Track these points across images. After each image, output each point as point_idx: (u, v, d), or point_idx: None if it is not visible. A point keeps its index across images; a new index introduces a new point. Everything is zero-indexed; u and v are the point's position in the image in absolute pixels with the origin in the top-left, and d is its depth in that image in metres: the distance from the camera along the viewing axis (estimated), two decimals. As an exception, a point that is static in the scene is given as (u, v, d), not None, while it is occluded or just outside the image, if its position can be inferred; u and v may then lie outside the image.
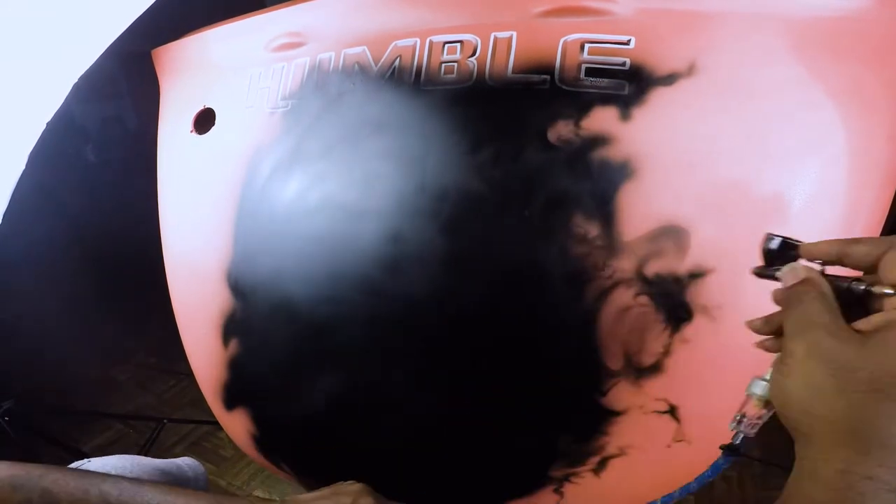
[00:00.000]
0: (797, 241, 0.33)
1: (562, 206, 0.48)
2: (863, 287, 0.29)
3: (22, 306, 1.79)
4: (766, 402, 0.34)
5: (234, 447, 0.80)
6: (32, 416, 1.31)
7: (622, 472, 0.53)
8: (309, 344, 0.62)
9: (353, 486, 0.47)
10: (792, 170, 0.45)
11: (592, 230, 0.47)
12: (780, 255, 0.33)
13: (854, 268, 0.31)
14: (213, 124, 0.70)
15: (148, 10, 0.60)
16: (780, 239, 0.33)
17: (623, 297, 0.47)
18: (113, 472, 0.48)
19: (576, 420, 0.52)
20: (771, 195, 0.45)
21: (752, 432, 0.37)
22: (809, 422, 0.28)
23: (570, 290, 0.48)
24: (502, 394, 0.54)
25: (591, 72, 0.47)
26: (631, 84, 0.46)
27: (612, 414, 0.50)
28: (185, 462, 0.63)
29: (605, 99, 0.46)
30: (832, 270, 0.32)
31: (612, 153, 0.46)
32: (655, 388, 0.49)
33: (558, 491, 0.55)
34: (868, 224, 0.47)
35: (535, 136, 0.48)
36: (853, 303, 0.30)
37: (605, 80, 0.46)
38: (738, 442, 0.38)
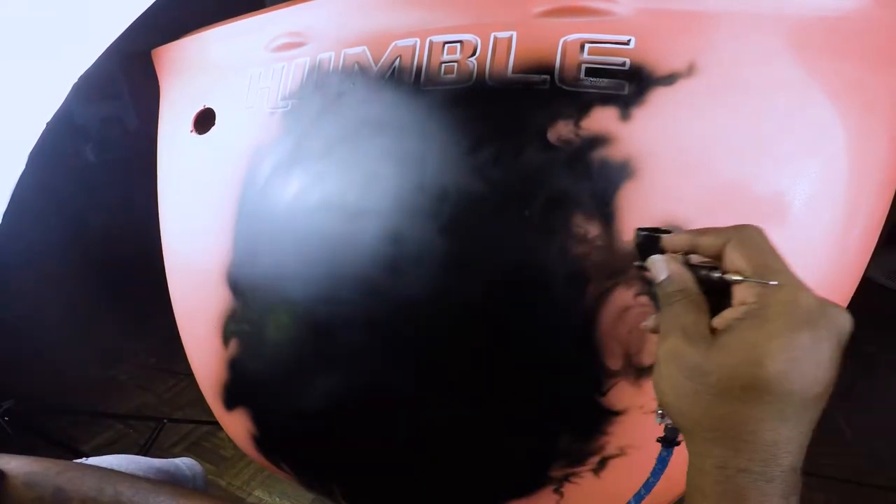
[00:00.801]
0: (665, 231, 0.34)
1: (562, 206, 0.48)
2: (717, 275, 0.31)
3: (22, 306, 1.79)
4: None
5: (235, 447, 0.80)
6: (32, 416, 1.31)
7: (622, 472, 0.53)
8: (309, 344, 0.62)
9: None
10: (792, 170, 0.45)
11: (592, 230, 0.47)
12: (648, 248, 0.34)
13: (706, 257, 0.33)
14: (213, 124, 0.70)
15: (148, 9, 0.60)
16: (646, 233, 0.34)
17: (623, 297, 0.47)
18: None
19: (575, 420, 0.52)
20: (771, 195, 0.45)
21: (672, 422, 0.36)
22: (684, 422, 0.30)
23: (570, 289, 0.48)
24: (502, 394, 0.54)
25: (591, 72, 0.47)
26: (631, 84, 0.46)
27: (612, 414, 0.50)
28: (184, 462, 0.64)
29: (605, 99, 0.46)
30: None
31: (612, 153, 0.46)
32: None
33: (558, 491, 0.56)
34: (868, 224, 0.47)
35: (534, 136, 0.48)
36: (720, 289, 0.31)
37: (605, 80, 0.46)
38: (670, 434, 0.38)
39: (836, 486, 1.14)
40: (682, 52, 0.45)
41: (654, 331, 0.35)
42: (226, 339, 0.69)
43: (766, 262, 0.29)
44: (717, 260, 0.32)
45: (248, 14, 0.67)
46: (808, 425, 0.27)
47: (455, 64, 0.51)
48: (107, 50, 0.60)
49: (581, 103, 0.47)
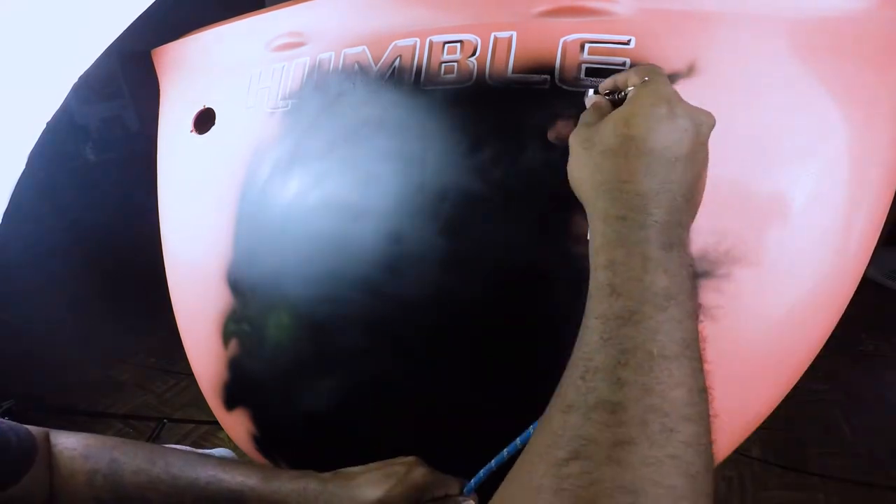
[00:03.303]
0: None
1: (562, 206, 0.48)
2: (620, 94, 0.39)
3: (22, 306, 1.79)
4: None
5: (235, 447, 0.80)
6: (33, 416, 1.31)
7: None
8: (309, 344, 0.62)
9: (406, 458, 0.50)
10: (792, 170, 0.45)
11: (592, 230, 0.47)
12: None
13: (616, 91, 0.40)
14: (213, 124, 0.70)
15: (148, 9, 0.60)
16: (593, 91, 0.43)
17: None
18: None
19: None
20: (771, 195, 0.45)
21: None
22: (581, 188, 0.36)
23: (571, 290, 0.48)
24: (502, 394, 0.54)
25: (591, 72, 0.47)
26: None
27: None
28: (220, 453, 0.64)
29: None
30: None
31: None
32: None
33: (558, 491, 0.55)
34: (868, 224, 0.47)
35: (535, 135, 0.48)
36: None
37: (606, 80, 0.46)
38: None
39: (837, 485, 1.14)
40: (682, 52, 0.45)
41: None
42: (226, 339, 0.69)
43: (650, 73, 0.36)
44: None
45: (249, 14, 0.67)
46: (679, 186, 0.32)
47: (455, 64, 0.51)
48: (107, 50, 0.60)
49: (581, 103, 0.47)
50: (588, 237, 0.38)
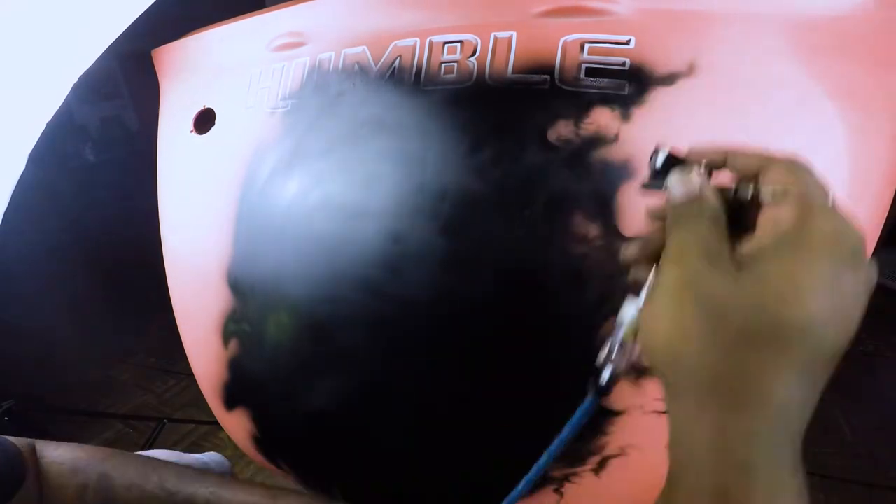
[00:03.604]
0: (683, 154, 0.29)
1: (562, 206, 0.47)
2: (750, 190, 0.25)
3: (22, 306, 1.79)
4: (636, 333, 0.28)
5: (235, 447, 0.80)
6: (33, 415, 1.31)
7: (622, 472, 0.53)
8: (309, 344, 0.62)
9: None
10: (792, 170, 0.45)
11: (593, 230, 0.47)
12: (666, 167, 0.29)
13: (740, 184, 0.27)
14: (213, 124, 0.70)
15: (148, 9, 0.60)
16: (668, 152, 0.29)
17: (623, 296, 0.47)
18: None
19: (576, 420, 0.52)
20: (771, 195, 0.45)
21: (623, 366, 0.31)
22: (676, 368, 0.23)
23: (571, 289, 0.48)
24: (502, 394, 0.54)
25: (590, 72, 0.47)
26: (631, 84, 0.46)
27: (611, 414, 0.50)
28: (212, 458, 0.63)
29: (605, 99, 0.46)
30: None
31: (613, 153, 0.46)
32: (656, 387, 0.49)
33: (558, 491, 0.55)
34: (868, 224, 0.47)
35: (535, 136, 0.48)
36: (738, 215, 0.26)
37: (605, 80, 0.46)
38: (604, 381, 0.32)
39: (837, 485, 1.14)
40: (682, 51, 0.45)
41: (636, 259, 0.30)
42: (226, 339, 0.69)
43: (809, 185, 0.23)
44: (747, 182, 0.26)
45: (249, 14, 0.67)
46: (822, 387, 0.22)
47: (455, 64, 0.51)
48: (106, 50, 0.60)
49: (581, 103, 0.47)
50: (602, 360, 0.31)
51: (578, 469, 0.54)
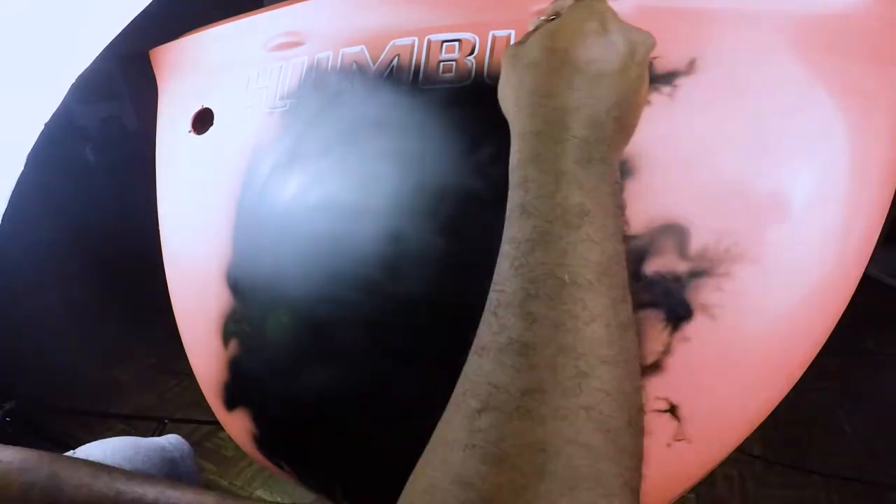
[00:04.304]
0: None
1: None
2: (554, 17, 0.35)
3: (22, 306, 1.79)
4: None
5: (236, 447, 0.80)
6: (34, 416, 1.31)
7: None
8: (309, 344, 0.62)
9: None
10: (792, 168, 0.45)
11: (592, 229, 0.47)
12: None
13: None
14: (212, 124, 0.70)
15: (145, 10, 0.60)
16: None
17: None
18: (100, 459, 0.47)
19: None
20: (771, 194, 0.45)
21: None
22: (505, 106, 0.34)
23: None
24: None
25: (590, 70, 0.46)
26: (630, 82, 0.46)
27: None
28: (169, 441, 0.62)
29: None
30: None
31: (612, 152, 0.46)
32: (655, 387, 0.48)
33: (559, 490, 0.55)
34: (868, 223, 0.47)
35: (534, 134, 0.48)
36: None
37: (604, 78, 0.46)
38: None
39: (837, 484, 1.14)
40: (681, 50, 0.45)
41: None
42: (226, 339, 0.69)
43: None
44: None
45: (246, 13, 0.66)
46: (603, 103, 0.29)
47: (454, 63, 0.51)
48: (105, 50, 0.60)
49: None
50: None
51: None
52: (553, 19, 0.36)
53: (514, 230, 0.27)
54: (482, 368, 0.24)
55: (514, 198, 0.29)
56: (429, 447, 0.27)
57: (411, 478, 0.27)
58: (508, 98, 0.33)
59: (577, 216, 0.25)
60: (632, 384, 0.23)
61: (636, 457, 0.23)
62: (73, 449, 0.56)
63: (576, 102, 0.29)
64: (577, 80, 0.29)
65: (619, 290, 0.25)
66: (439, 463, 0.24)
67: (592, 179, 0.27)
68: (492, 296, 0.27)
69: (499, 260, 0.28)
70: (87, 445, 0.56)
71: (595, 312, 0.23)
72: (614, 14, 0.32)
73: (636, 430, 0.23)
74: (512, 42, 0.49)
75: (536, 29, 0.35)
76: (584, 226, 0.25)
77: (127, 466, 0.51)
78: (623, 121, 0.31)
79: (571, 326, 0.22)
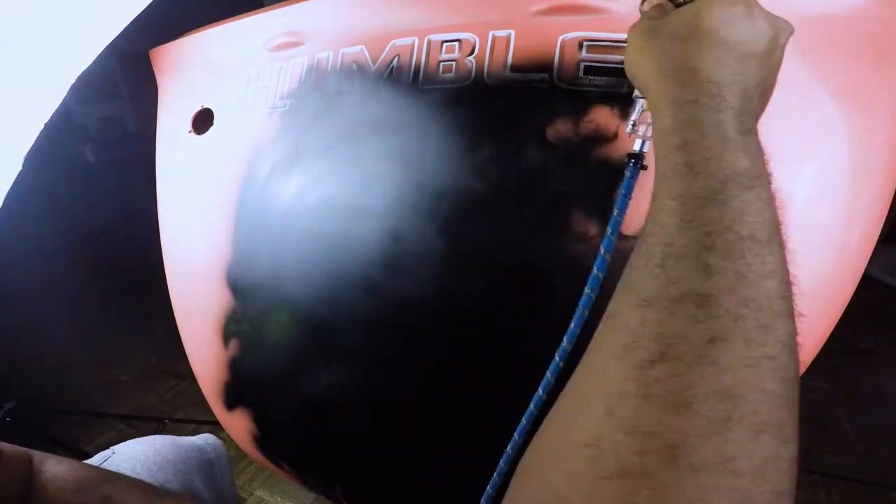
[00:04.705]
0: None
1: (561, 204, 0.47)
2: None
3: (23, 307, 1.79)
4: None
5: (236, 447, 0.80)
6: (34, 416, 1.31)
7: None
8: (309, 344, 0.62)
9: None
10: (792, 168, 0.45)
11: (592, 229, 0.47)
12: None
13: None
14: (212, 124, 0.70)
15: (146, 9, 0.60)
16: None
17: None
18: (140, 461, 0.47)
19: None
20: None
21: (649, 134, 0.41)
22: (643, 75, 0.34)
23: (570, 288, 0.48)
24: (502, 393, 0.54)
25: (589, 70, 0.46)
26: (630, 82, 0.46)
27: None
28: (206, 441, 0.61)
29: (604, 97, 0.46)
30: None
31: (611, 151, 0.46)
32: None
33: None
34: (868, 223, 0.47)
35: (533, 134, 0.48)
36: None
37: (604, 78, 0.46)
38: (638, 149, 0.42)
39: (838, 483, 1.14)
40: (681, 49, 0.45)
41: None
42: (226, 339, 0.69)
43: None
44: None
45: (246, 14, 0.66)
46: (753, 80, 0.31)
47: (453, 63, 0.51)
48: (105, 50, 0.60)
49: (580, 102, 0.47)
50: (630, 130, 0.41)
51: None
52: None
53: (679, 187, 0.27)
54: (649, 319, 0.24)
55: (674, 157, 0.28)
56: (571, 404, 0.27)
57: (547, 438, 0.27)
58: (646, 68, 0.34)
59: (748, 178, 0.26)
60: (796, 338, 0.24)
61: (798, 406, 0.23)
62: (111, 448, 0.55)
63: (729, 77, 0.30)
64: (728, 58, 0.30)
65: (786, 249, 0.26)
66: (602, 415, 0.23)
67: (753, 147, 0.28)
68: (653, 250, 0.26)
69: (657, 216, 0.28)
70: (127, 444, 0.56)
71: (772, 268, 0.24)
72: (756, 1, 0.33)
73: (798, 382, 0.24)
74: (512, 42, 0.49)
75: (658, 6, 0.36)
76: (757, 187, 0.26)
77: (170, 468, 0.51)
78: (764, 98, 0.33)
79: (752, 280, 0.23)
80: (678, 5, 0.37)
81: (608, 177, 0.46)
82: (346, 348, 0.59)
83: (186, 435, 0.60)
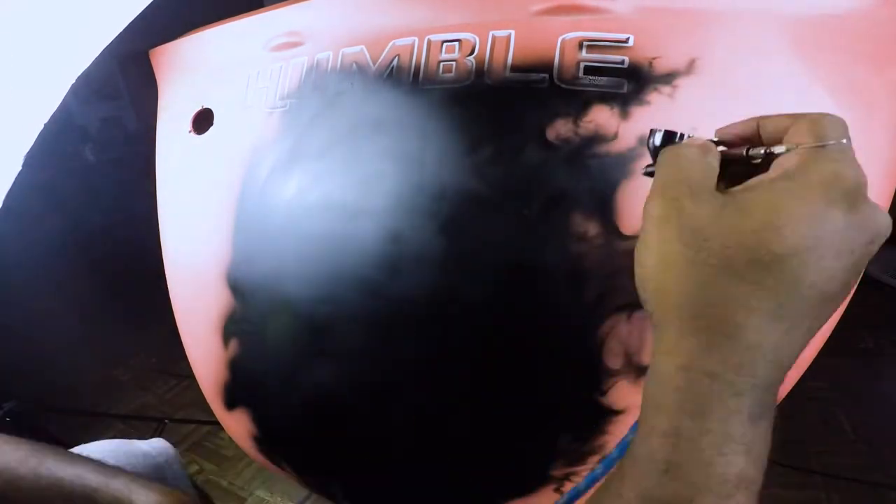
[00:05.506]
0: (686, 134, 0.28)
1: (561, 204, 0.47)
2: (762, 151, 0.24)
3: (23, 307, 1.79)
4: None
5: (236, 447, 0.80)
6: (34, 416, 1.31)
7: (622, 471, 0.53)
8: (309, 344, 0.62)
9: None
10: (792, 168, 0.45)
11: (592, 229, 0.47)
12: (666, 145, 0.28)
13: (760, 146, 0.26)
14: (212, 124, 0.70)
15: (146, 9, 0.60)
16: (663, 132, 0.28)
17: (623, 295, 0.47)
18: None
19: (576, 419, 0.52)
20: (771, 193, 0.45)
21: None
22: (660, 302, 0.24)
23: (570, 288, 0.48)
24: (502, 393, 0.54)
25: (589, 70, 0.46)
26: (630, 82, 0.46)
27: (612, 413, 0.50)
28: (152, 446, 0.62)
29: (604, 97, 0.46)
30: None
31: (612, 151, 0.46)
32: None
33: (559, 490, 0.55)
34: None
35: (533, 134, 0.48)
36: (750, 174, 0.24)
37: (604, 78, 0.46)
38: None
39: (838, 483, 1.14)
40: (681, 50, 0.45)
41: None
42: (226, 339, 0.69)
43: (825, 137, 0.22)
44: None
45: (246, 14, 0.66)
46: (801, 338, 0.22)
47: (454, 63, 0.51)
48: (106, 50, 0.60)
49: (580, 102, 0.47)
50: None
51: (578, 468, 0.54)
52: (763, 153, 0.24)
53: (646, 484, 0.23)
54: None
55: (653, 445, 0.23)
56: None
57: None
58: (671, 298, 0.23)
59: (733, 486, 0.22)
60: None
61: None
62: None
63: (774, 340, 0.21)
64: (788, 309, 0.21)
65: None
66: None
67: (759, 440, 0.22)
68: None
69: (619, 488, 0.24)
70: (80, 447, 0.57)
71: None
72: (865, 185, 0.22)
73: None
74: (512, 42, 0.49)
75: (700, 154, 0.24)
76: (737, 494, 0.22)
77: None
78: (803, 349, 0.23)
79: None
80: (732, 162, 0.24)
81: (608, 177, 0.46)
82: (346, 348, 0.59)
83: (186, 434, 0.60)
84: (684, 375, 0.22)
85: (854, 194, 0.21)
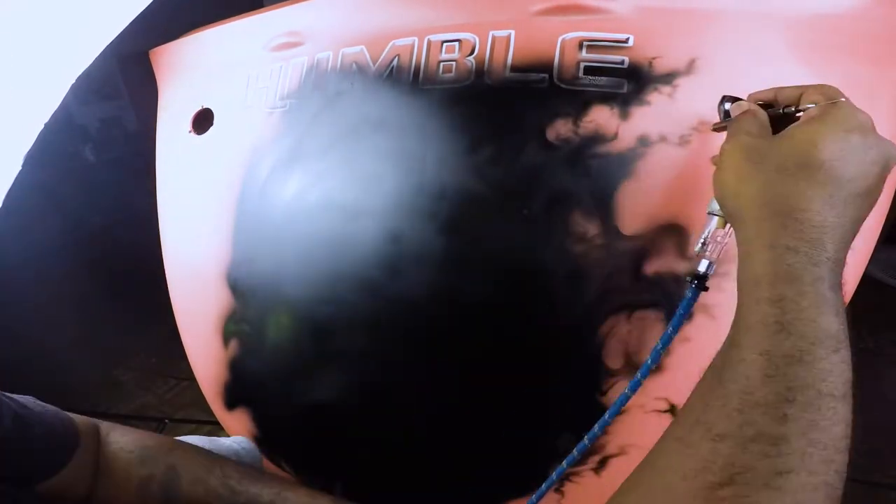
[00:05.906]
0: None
1: (561, 204, 0.47)
2: (792, 108, 0.35)
3: (22, 307, 1.79)
4: (725, 221, 0.38)
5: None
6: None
7: (623, 472, 0.53)
8: (308, 344, 0.62)
9: None
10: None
11: (592, 229, 0.47)
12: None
13: (784, 105, 0.36)
14: (212, 124, 0.70)
15: (146, 9, 0.60)
16: (732, 98, 0.39)
17: (623, 295, 0.47)
18: None
19: (576, 419, 0.52)
20: (771, 193, 0.45)
21: (716, 256, 0.39)
22: (739, 203, 0.32)
23: (570, 288, 0.48)
24: (502, 393, 0.54)
25: (589, 70, 0.46)
26: (630, 82, 0.46)
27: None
28: (241, 445, 0.61)
29: (604, 97, 0.46)
30: None
31: (612, 151, 0.46)
32: (656, 387, 0.49)
33: (559, 490, 0.55)
34: (867, 223, 0.47)
35: (533, 134, 0.48)
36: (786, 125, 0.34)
37: (604, 78, 0.46)
38: (703, 270, 0.39)
39: (838, 483, 1.14)
40: (681, 50, 0.45)
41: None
42: (226, 339, 0.69)
43: (837, 95, 0.32)
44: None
45: (246, 14, 0.66)
46: (851, 223, 0.29)
47: (453, 63, 0.51)
48: (106, 50, 0.60)
49: (580, 102, 0.47)
50: (699, 248, 0.38)
51: (579, 468, 0.54)
52: (771, 107, 0.35)
53: (767, 343, 0.27)
54: (720, 451, 0.26)
55: (765, 311, 0.28)
56: None
57: None
58: (745, 197, 0.32)
59: (836, 341, 0.27)
60: (846, 466, 0.26)
61: None
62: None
63: (833, 221, 0.29)
64: (837, 197, 0.29)
65: (853, 401, 0.27)
66: None
67: (842, 306, 0.28)
68: (732, 395, 0.28)
69: (738, 366, 0.28)
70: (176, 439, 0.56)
71: (841, 416, 0.26)
72: (873, 126, 0.31)
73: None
74: (512, 42, 0.49)
75: (753, 117, 0.34)
76: (842, 350, 0.27)
77: None
78: (855, 235, 0.31)
79: (823, 426, 0.25)
80: (780, 116, 0.35)
81: (608, 177, 0.46)
82: (346, 348, 0.59)
83: (185, 434, 0.60)
84: (771, 252, 0.29)
85: (864, 126, 0.30)
